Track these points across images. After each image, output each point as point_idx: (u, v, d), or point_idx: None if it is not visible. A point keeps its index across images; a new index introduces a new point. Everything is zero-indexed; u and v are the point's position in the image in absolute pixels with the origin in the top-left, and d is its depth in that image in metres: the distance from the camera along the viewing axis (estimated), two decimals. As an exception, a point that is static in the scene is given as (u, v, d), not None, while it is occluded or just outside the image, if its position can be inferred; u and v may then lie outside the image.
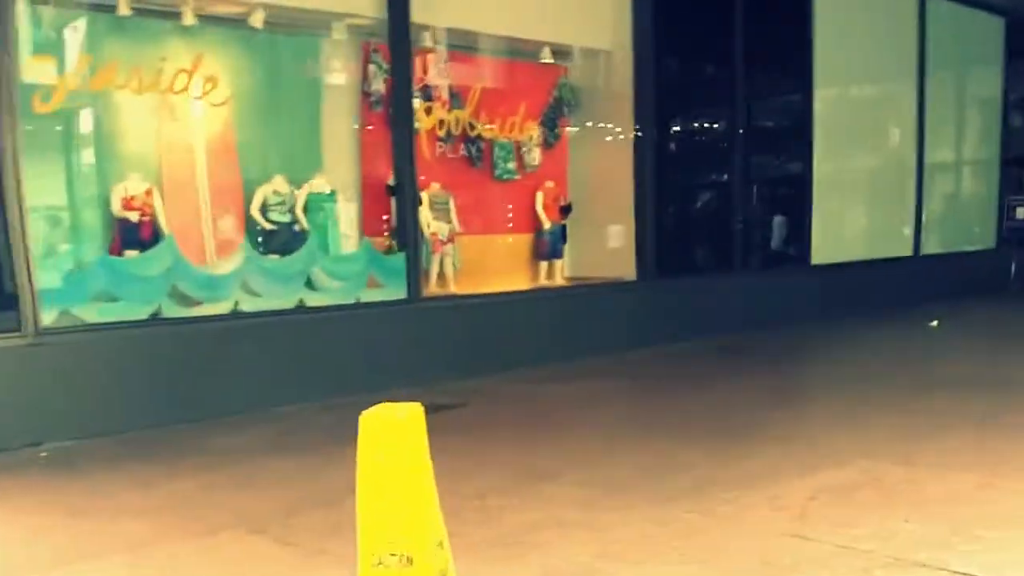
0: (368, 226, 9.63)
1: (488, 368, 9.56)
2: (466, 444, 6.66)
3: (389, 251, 9.37)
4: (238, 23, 8.53)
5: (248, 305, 8.36)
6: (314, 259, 8.84)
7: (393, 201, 9.43)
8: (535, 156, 11.25)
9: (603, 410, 8.08)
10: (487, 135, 10.74)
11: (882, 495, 5.15)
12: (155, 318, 7.80)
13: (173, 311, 7.92)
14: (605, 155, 11.56)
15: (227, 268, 8.32)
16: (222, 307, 8.18)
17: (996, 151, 17.68)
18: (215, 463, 6.38)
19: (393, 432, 2.91)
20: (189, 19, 8.10)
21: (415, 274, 9.28)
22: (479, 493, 5.36)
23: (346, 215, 9.19)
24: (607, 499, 5.24)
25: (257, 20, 8.47)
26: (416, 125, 9.70)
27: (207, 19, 8.35)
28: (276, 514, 5.17)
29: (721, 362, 10.44)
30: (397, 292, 9.22)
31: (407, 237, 9.26)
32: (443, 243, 10.27)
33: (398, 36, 9.12)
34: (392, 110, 9.27)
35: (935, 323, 12.67)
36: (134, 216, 7.95)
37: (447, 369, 9.26)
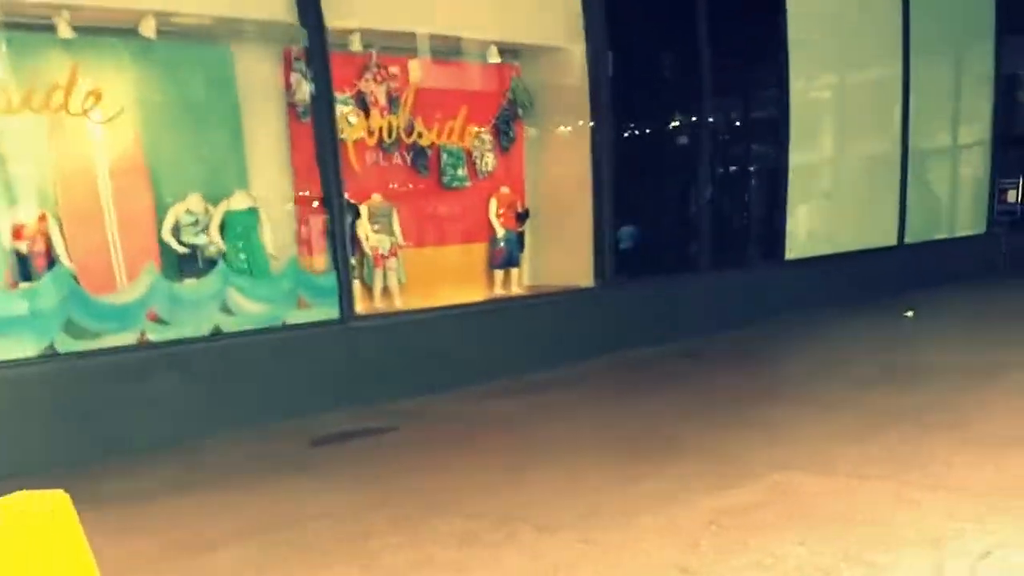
0: (298, 243, 8.79)
1: (435, 386, 8.87)
2: (378, 474, 6.36)
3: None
4: (127, 34, 7.70)
5: (156, 335, 7.55)
6: (229, 282, 8.02)
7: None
8: (488, 161, 10.43)
9: (532, 429, 7.45)
10: (433, 141, 9.88)
11: (785, 514, 4.88)
12: (49, 353, 7.02)
13: (68, 345, 7.14)
14: (562, 157, 10.76)
15: (130, 296, 7.51)
16: (125, 338, 7.38)
17: (988, 132, 16.67)
18: (104, 507, 5.81)
19: (26, 531, 2.08)
20: (65, 31, 7.29)
21: (347, 292, 8.49)
22: (365, 532, 5.09)
23: (271, 233, 8.36)
24: (493, 532, 4.95)
25: (148, 29, 7.64)
26: (346, 135, 8.89)
27: (91, 31, 7.55)
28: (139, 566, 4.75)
29: (679, 368, 9.72)
30: (328, 312, 8.45)
31: (336, 253, 8.44)
32: (385, 257, 9.45)
33: (313, 41, 8.32)
34: (314, 119, 8.41)
35: (911, 313, 11.78)
36: (24, 246, 7.16)
37: (388, 390, 8.56)
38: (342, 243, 8.52)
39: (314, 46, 8.36)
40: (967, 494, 5.02)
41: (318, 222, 8.65)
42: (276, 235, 8.49)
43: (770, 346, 10.83)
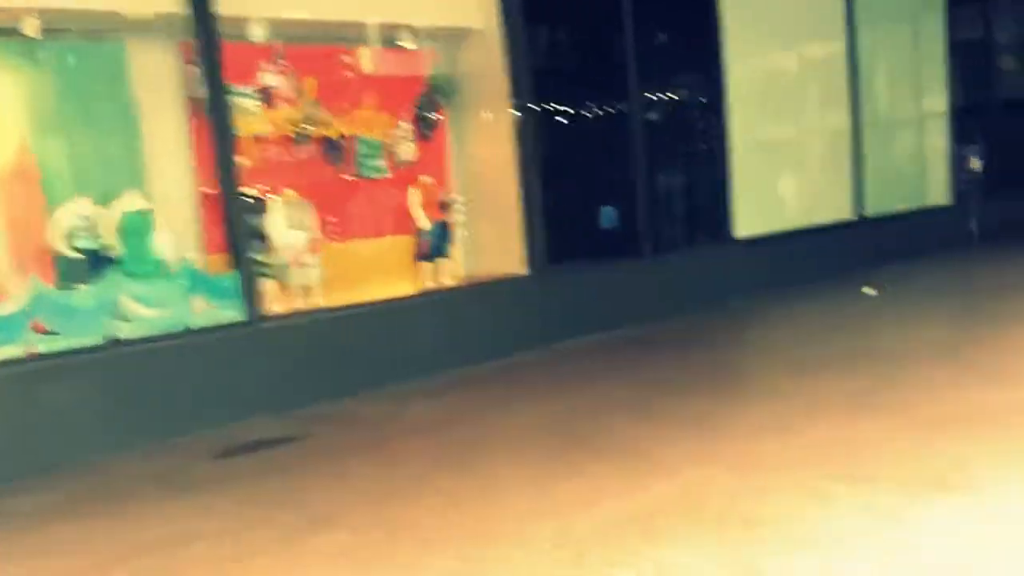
0: (198, 244, 8.58)
1: (359, 387, 8.66)
2: (273, 488, 6.11)
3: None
4: (10, 33, 7.49)
5: (45, 346, 7.33)
6: (123, 287, 7.78)
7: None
8: (408, 151, 10.20)
9: (451, 431, 7.17)
10: (346, 132, 9.66)
11: (689, 517, 4.67)
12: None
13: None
14: (487, 144, 10.54)
15: (10, 308, 7.28)
16: (8, 352, 7.15)
17: (945, 101, 16.47)
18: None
19: None
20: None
21: (252, 293, 8.28)
22: (237, 554, 4.88)
23: (168, 234, 8.13)
24: (372, 547, 4.75)
25: (31, 29, 7.41)
26: (249, 129, 8.69)
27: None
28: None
29: (618, 358, 9.48)
30: (232, 314, 8.19)
31: (238, 253, 8.23)
32: (300, 254, 9.25)
33: (204, 31, 8.08)
34: (209, 113, 8.20)
35: (870, 290, 11.55)
36: None
37: (306, 394, 8.33)
38: (243, 241, 8.30)
39: (205, 36, 8.13)
40: (889, 485, 4.80)
41: (218, 221, 8.43)
42: (174, 236, 8.26)
43: (717, 331, 10.59)
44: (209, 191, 8.52)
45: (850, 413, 6.32)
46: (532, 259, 10.26)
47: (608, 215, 11.71)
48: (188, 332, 8.06)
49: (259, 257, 8.73)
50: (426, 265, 10.36)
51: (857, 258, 13.79)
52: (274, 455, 6.93)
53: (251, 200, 8.78)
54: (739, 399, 7.20)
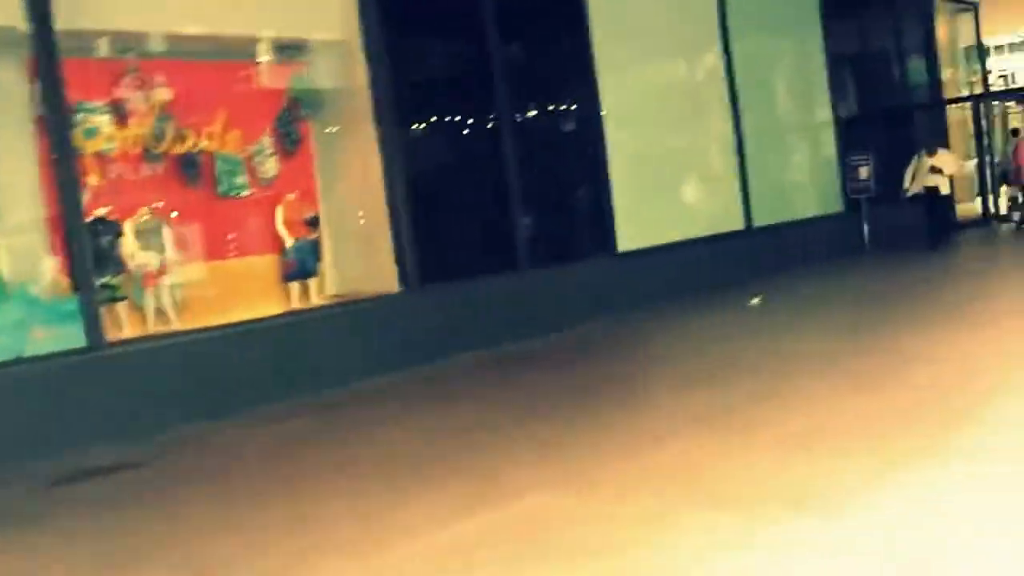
0: (39, 266, 8.35)
1: (218, 411, 8.33)
2: (100, 520, 5.84)
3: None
4: None
5: None
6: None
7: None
8: (270, 167, 10.07)
9: (301, 457, 6.94)
10: (204, 149, 9.50)
11: (517, 549, 4.36)
12: None
13: None
14: (354, 159, 10.40)
15: None
16: None
17: (829, 111, 16.80)
18: None
19: None
20: None
21: (94, 318, 8.03)
22: None
23: (7, 257, 7.89)
24: None
25: None
26: (96, 146, 8.49)
27: None
28: None
29: (490, 375, 9.38)
30: (74, 340, 7.95)
31: (78, 275, 8.01)
32: (156, 275, 9.05)
33: (43, 46, 7.86)
34: (50, 131, 7.99)
35: (757, 300, 11.62)
36: None
37: (156, 419, 8.06)
38: (84, 264, 8.06)
39: (46, 52, 7.91)
40: (737, 508, 4.52)
41: (59, 242, 8.21)
42: (12, 259, 8.04)
43: (597, 346, 10.50)
44: (53, 211, 8.29)
45: (718, 429, 6.11)
46: (404, 277, 10.12)
47: (547, 219, 11.72)
48: (23, 360, 7.78)
49: (108, 280, 8.51)
50: (294, 285, 10.21)
51: (747, 268, 13.89)
52: (108, 486, 6.67)
53: (99, 220, 8.58)
54: (606, 417, 6.97)
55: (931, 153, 15.98)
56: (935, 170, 15.78)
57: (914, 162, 16.02)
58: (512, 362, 9.86)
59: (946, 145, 18.09)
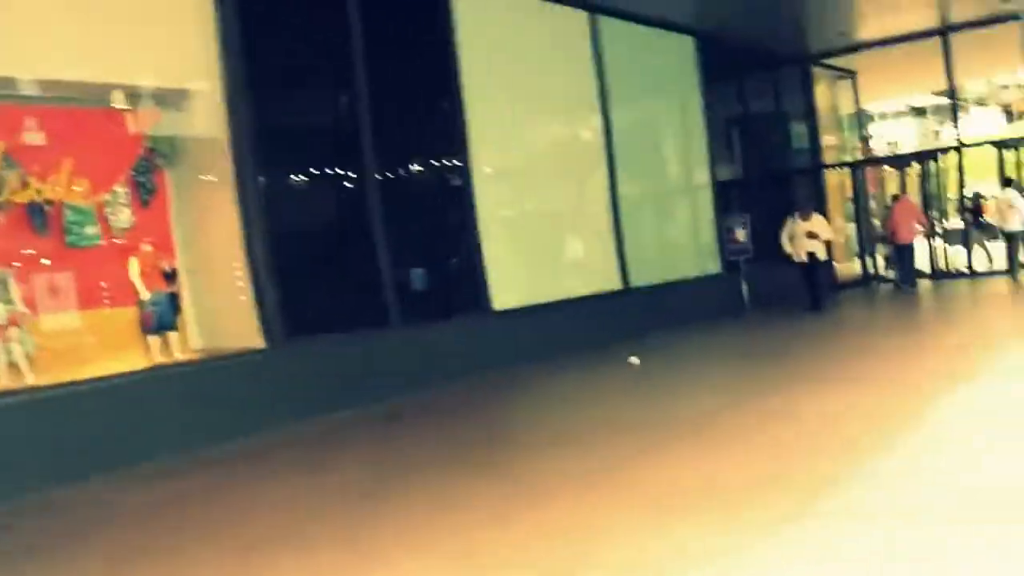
0: None
1: (67, 473, 7.95)
2: None
3: None
4: None
5: None
6: None
7: None
8: (124, 217, 9.90)
9: (120, 532, 6.56)
10: (52, 198, 9.32)
11: None
12: None
13: None
14: (213, 209, 10.26)
15: None
16: None
17: (707, 174, 17.19)
18: None
19: None
20: None
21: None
22: None
23: None
24: None
25: None
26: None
27: None
28: None
29: (359, 435, 9.17)
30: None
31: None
32: (3, 329, 8.81)
33: None
34: None
35: (635, 360, 11.65)
36: None
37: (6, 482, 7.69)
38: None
39: None
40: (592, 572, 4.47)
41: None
42: None
43: (470, 405, 10.34)
44: None
45: (582, 493, 6.05)
46: (269, 332, 9.94)
47: (418, 276, 11.69)
48: None
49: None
50: (154, 339, 10.01)
51: (625, 328, 14.00)
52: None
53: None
54: (473, 479, 6.81)
55: (805, 217, 16.29)
56: (811, 235, 16.07)
57: (788, 225, 16.29)
58: (382, 422, 9.68)
59: (820, 209, 18.54)
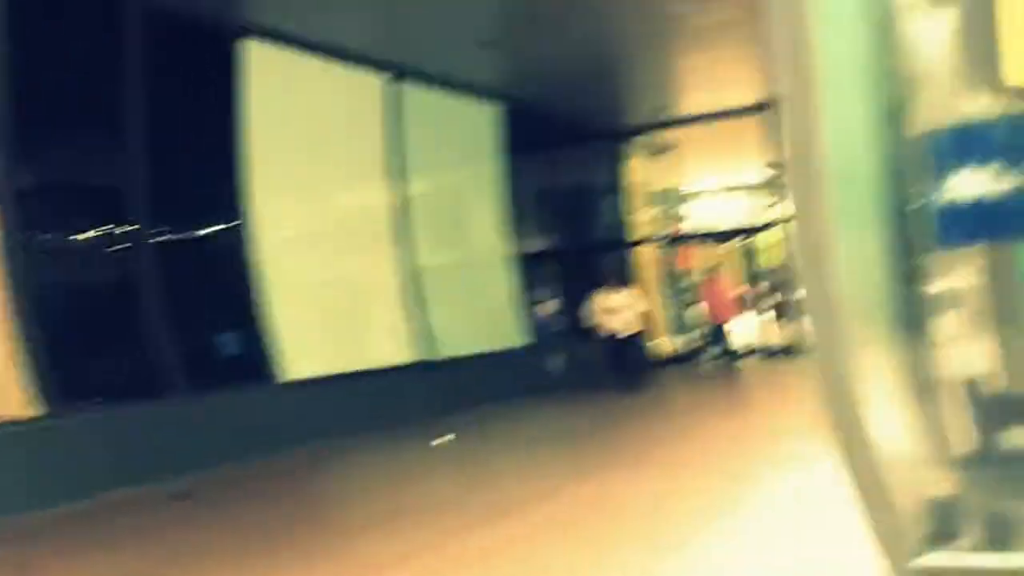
0: None
1: None
2: None
3: None
4: None
5: None
6: None
7: None
8: None
9: None
10: None
11: None
12: None
13: None
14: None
15: None
16: None
17: (512, 245, 17.57)
18: None
19: None
20: None
21: None
22: None
23: None
24: None
25: None
26: None
27: None
28: None
29: (125, 520, 8.56)
30: None
31: None
32: None
33: None
34: None
35: (443, 437, 11.46)
36: None
37: None
38: None
39: None
40: None
41: None
42: None
43: (253, 485, 9.93)
44: None
45: None
46: (38, 398, 9.51)
47: (204, 343, 11.60)
48: None
49: None
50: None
51: (432, 401, 13.88)
52: None
53: None
54: (260, 569, 6.50)
55: (614, 292, 16.51)
56: (618, 311, 16.26)
57: (595, 300, 16.52)
58: (158, 503, 9.20)
59: (632, 285, 18.82)
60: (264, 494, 9.55)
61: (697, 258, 23.82)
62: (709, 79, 17.25)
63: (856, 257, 2.01)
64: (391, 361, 14.12)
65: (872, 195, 2.08)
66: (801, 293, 1.94)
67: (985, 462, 2.08)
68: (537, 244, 18.53)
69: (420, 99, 15.14)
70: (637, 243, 22.06)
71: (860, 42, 2.06)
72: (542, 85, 16.46)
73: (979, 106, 2.02)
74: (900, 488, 1.95)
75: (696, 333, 21.96)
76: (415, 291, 14.74)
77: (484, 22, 13.56)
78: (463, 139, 16.58)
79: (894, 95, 2.07)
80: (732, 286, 20.10)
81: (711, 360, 20.53)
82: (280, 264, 12.42)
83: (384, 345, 14.26)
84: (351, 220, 14.38)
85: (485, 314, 16.90)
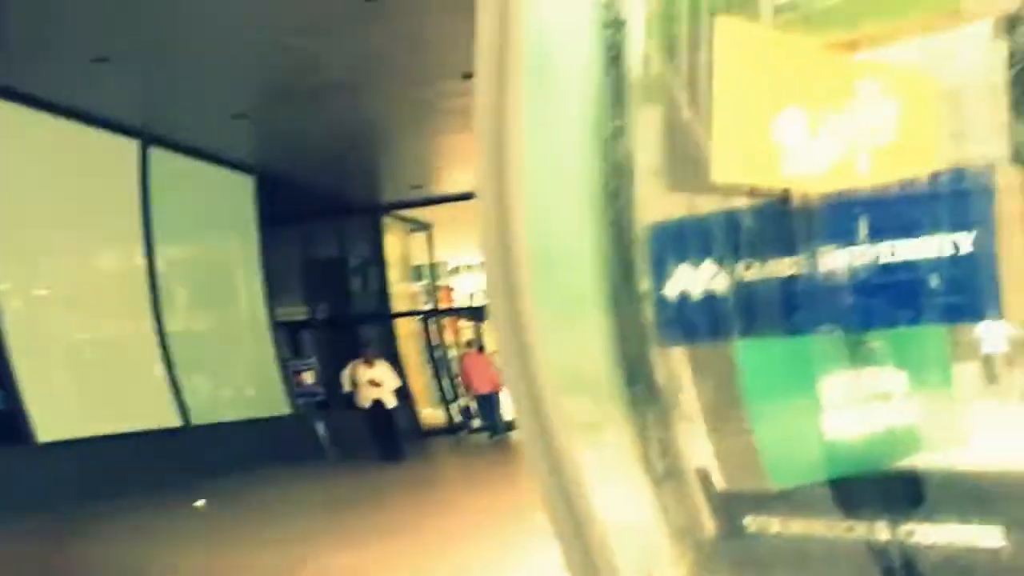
0: None
1: None
2: None
3: None
4: None
5: None
6: None
7: None
8: None
9: None
10: None
11: None
12: None
13: None
14: None
15: None
16: None
17: (267, 314, 17.79)
18: None
19: None
20: None
21: None
22: None
23: None
24: None
25: None
26: None
27: None
28: None
29: None
30: None
31: None
32: None
33: None
34: None
35: (201, 503, 11.53)
36: None
37: None
38: None
39: None
40: None
41: None
42: None
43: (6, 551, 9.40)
44: None
45: None
46: None
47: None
48: None
49: None
50: None
51: (189, 467, 13.79)
52: None
53: None
54: None
55: (369, 364, 16.74)
56: (374, 383, 16.51)
57: (351, 371, 16.82)
58: None
59: (392, 357, 19.26)
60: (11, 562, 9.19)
61: (458, 331, 24.43)
62: (465, 160, 17.95)
63: (576, 343, 1.99)
64: (151, 424, 14.20)
65: (593, 285, 2.02)
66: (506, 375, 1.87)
67: (720, 546, 2.07)
68: (300, 313, 18.78)
69: (175, 167, 15.48)
70: (398, 315, 22.51)
71: (574, 134, 2.02)
72: (300, 159, 16.87)
73: (692, 203, 2.03)
74: (630, 570, 1.87)
75: (461, 404, 22.41)
76: (173, 356, 14.88)
77: (240, 95, 14.01)
78: (221, 208, 16.90)
79: (613, 189, 2.02)
80: (490, 360, 20.48)
81: (477, 431, 20.94)
82: (29, 326, 12.48)
83: (144, 408, 14.33)
84: (109, 283, 14.56)
85: (247, 381, 17.07)
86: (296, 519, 10.62)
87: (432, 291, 25.29)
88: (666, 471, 2.05)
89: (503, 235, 1.82)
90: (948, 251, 1.77)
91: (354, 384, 16.65)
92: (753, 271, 1.96)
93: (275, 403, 17.33)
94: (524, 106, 1.82)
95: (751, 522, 2.06)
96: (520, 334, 1.80)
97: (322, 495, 12.92)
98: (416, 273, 24.86)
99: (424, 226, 23.82)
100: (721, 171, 1.81)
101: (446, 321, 23.84)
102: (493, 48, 1.84)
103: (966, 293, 1.79)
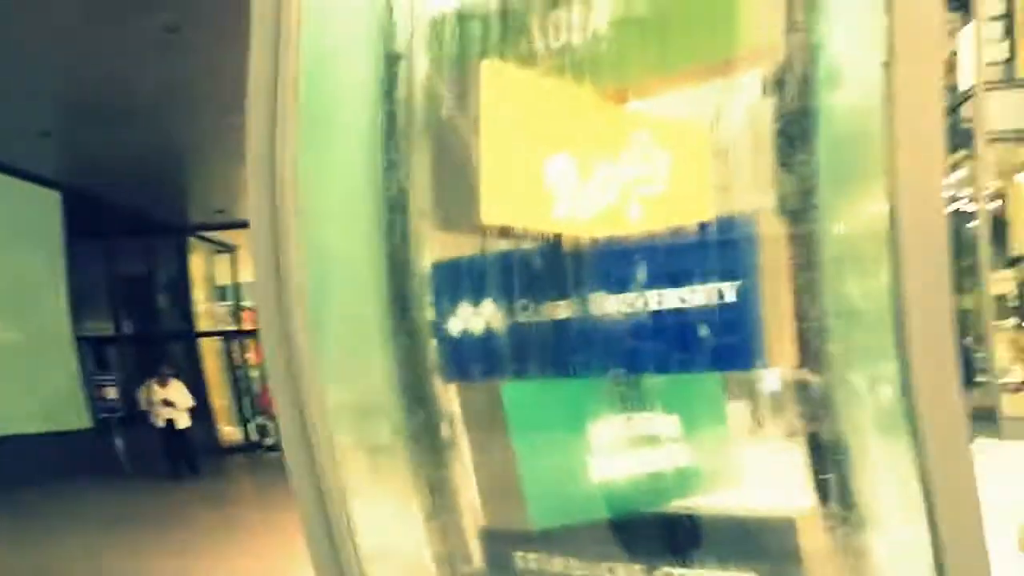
0: None
1: None
2: None
3: None
4: None
5: None
6: None
7: None
8: None
9: None
10: None
11: None
12: None
13: None
14: None
15: None
16: None
17: (68, 328, 17.04)
18: None
19: None
20: None
21: None
22: None
23: None
24: None
25: None
26: None
27: None
28: None
29: None
30: None
31: None
32: None
33: None
34: None
35: None
36: None
37: None
38: None
39: None
40: None
41: None
42: None
43: None
44: None
45: None
46: None
47: None
48: None
49: None
50: None
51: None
52: None
53: None
54: None
55: (163, 384, 16.36)
56: (167, 403, 16.14)
57: (144, 389, 16.50)
58: None
59: (196, 376, 18.83)
60: None
61: (260, 352, 24.00)
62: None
63: (357, 373, 1.99)
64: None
65: (376, 317, 2.00)
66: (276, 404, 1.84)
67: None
68: (107, 329, 18.20)
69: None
70: (202, 334, 22.09)
71: (349, 166, 2.00)
72: (108, 178, 16.33)
73: (474, 242, 1.95)
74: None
75: (258, 423, 22.15)
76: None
77: (43, 112, 13.44)
78: (26, 223, 16.13)
79: (388, 223, 2.00)
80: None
81: (271, 450, 20.64)
82: None
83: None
84: None
85: (48, 394, 16.34)
86: (86, 533, 10.42)
87: (236, 312, 24.82)
88: (437, 502, 2.02)
89: (274, 265, 1.81)
90: (715, 299, 1.72)
91: (149, 403, 16.29)
92: (528, 313, 1.90)
93: (76, 417, 16.55)
94: (296, 138, 1.77)
95: (519, 557, 1.98)
96: (290, 362, 1.78)
97: (112, 511, 12.54)
98: (220, 294, 24.35)
99: (229, 248, 23.39)
100: (490, 213, 1.75)
101: (249, 342, 23.36)
102: (264, 78, 1.77)
103: (732, 340, 1.73)
